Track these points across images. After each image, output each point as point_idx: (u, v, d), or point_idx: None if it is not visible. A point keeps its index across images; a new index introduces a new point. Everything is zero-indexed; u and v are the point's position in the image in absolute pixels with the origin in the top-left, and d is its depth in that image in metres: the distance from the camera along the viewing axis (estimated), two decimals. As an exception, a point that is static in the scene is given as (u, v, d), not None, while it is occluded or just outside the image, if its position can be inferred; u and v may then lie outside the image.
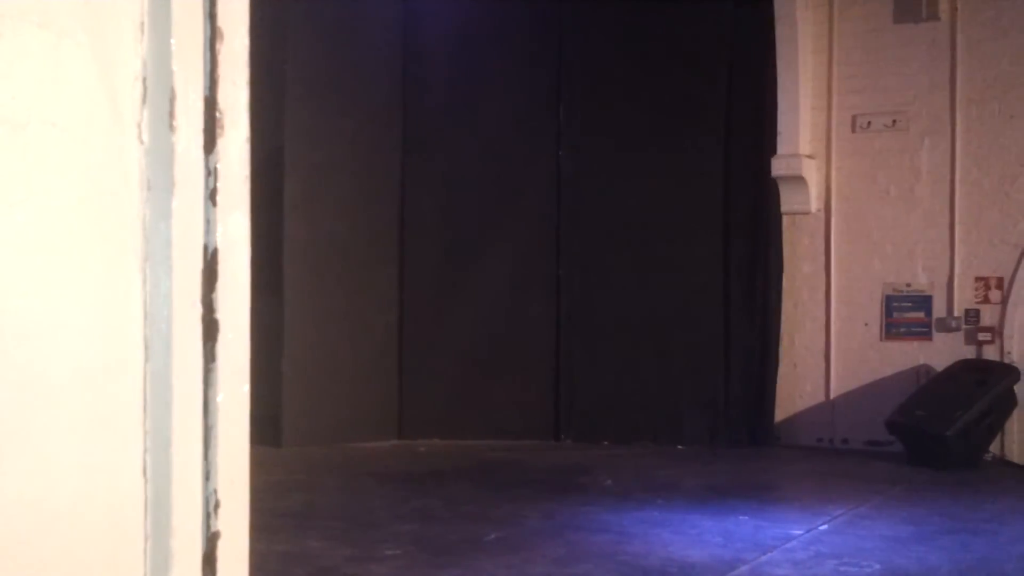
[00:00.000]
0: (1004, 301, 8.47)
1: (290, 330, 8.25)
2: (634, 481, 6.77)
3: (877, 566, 4.43)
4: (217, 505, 1.32)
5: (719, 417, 8.73)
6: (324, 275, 8.49)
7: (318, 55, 8.49)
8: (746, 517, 5.54)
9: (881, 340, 8.77)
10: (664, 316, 8.81)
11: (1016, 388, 8.08)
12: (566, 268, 9.09)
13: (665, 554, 4.61)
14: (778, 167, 8.80)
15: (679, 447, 8.49)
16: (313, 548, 4.60)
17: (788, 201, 8.90)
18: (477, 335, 8.94)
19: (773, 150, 8.81)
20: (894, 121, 8.72)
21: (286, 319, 8.21)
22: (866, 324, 8.80)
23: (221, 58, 1.35)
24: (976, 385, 7.93)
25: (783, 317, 8.93)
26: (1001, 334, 8.46)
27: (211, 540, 1.31)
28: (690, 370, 8.75)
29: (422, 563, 4.41)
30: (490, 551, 4.64)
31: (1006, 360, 8.32)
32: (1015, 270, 8.43)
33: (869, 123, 8.82)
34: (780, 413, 8.88)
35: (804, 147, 8.85)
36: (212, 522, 1.31)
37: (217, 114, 1.35)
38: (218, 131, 1.35)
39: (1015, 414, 8.15)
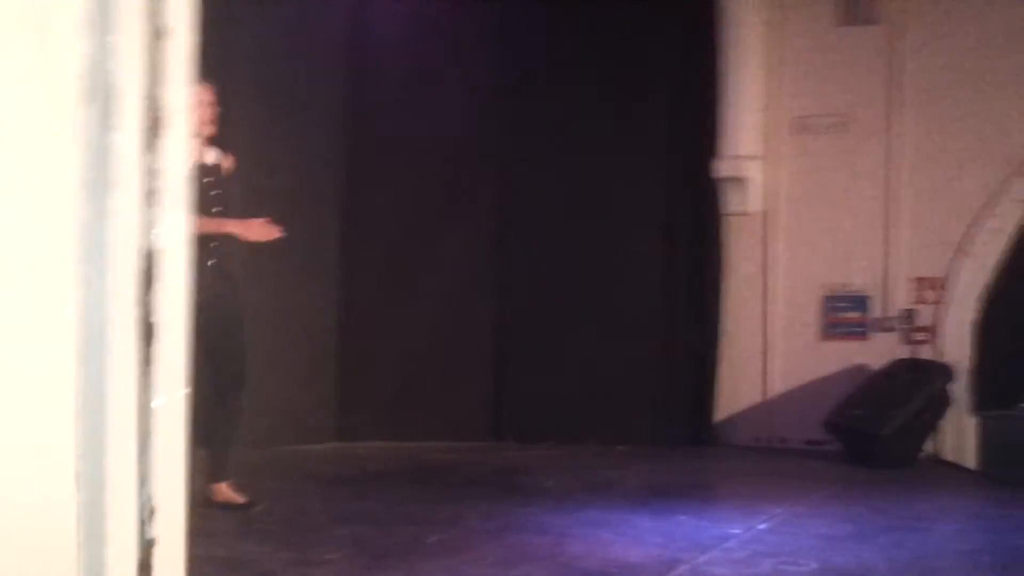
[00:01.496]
0: (940, 301, 8.59)
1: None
2: (575, 482, 6.78)
3: (815, 564, 4.46)
4: (153, 512, 1.29)
5: (660, 417, 8.77)
6: (264, 275, 8.40)
7: (263, 53, 8.40)
8: (686, 517, 5.57)
9: (819, 340, 8.86)
10: (606, 317, 8.83)
11: (950, 388, 8.20)
12: (508, 269, 9.08)
13: (605, 555, 4.62)
14: (720, 168, 8.86)
15: (620, 447, 8.51)
16: (252, 553, 4.55)
17: (730, 202, 8.97)
18: (418, 336, 8.91)
19: (716, 151, 8.86)
20: (836, 123, 8.81)
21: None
22: (804, 324, 8.88)
23: (164, 56, 1.33)
24: (912, 385, 8.04)
25: (723, 318, 8.99)
26: (936, 334, 8.58)
27: (146, 547, 1.29)
28: (631, 371, 8.78)
29: (362, 566, 4.38)
30: (431, 554, 4.62)
31: (941, 360, 8.44)
32: (952, 271, 8.56)
33: (811, 125, 8.91)
34: (720, 413, 8.94)
35: (746, 148, 8.92)
36: (147, 529, 1.29)
37: (159, 113, 1.32)
38: (159, 131, 1.33)
39: (949, 413, 8.27)
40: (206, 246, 5.29)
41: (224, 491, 5.47)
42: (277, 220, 8.49)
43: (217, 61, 8.10)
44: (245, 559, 4.43)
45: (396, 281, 8.90)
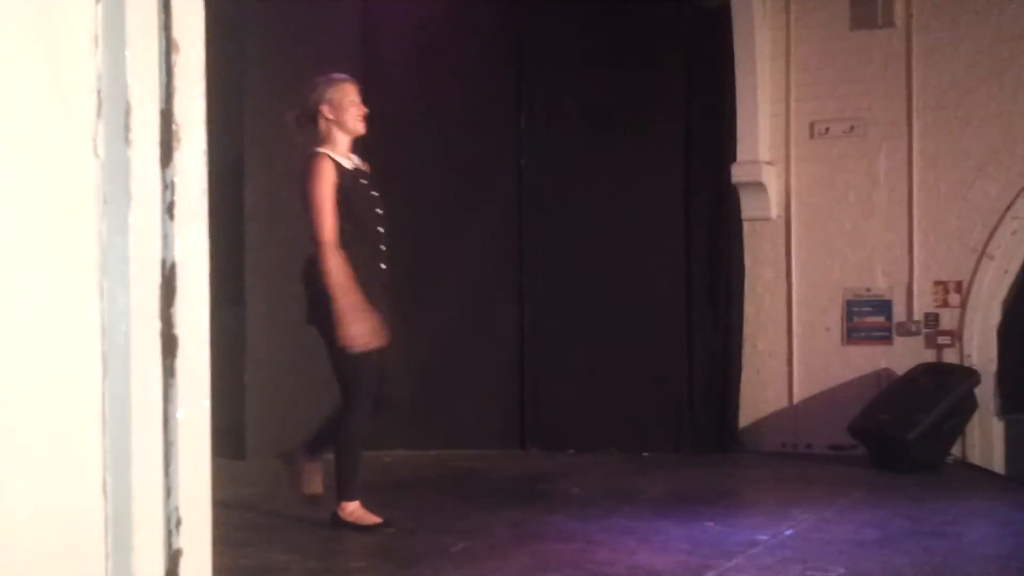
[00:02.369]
0: (963, 305, 8.55)
1: (252, 341, 8.20)
2: (600, 489, 6.78)
3: (842, 570, 4.45)
4: (179, 522, 1.30)
5: (684, 424, 8.75)
6: (286, 285, 8.42)
7: (276, 62, 8.45)
8: (712, 523, 5.56)
9: (842, 345, 8.83)
10: (628, 324, 8.82)
11: (976, 391, 8.16)
12: (529, 276, 9.09)
13: (631, 561, 4.61)
14: (738, 174, 8.85)
15: (644, 454, 8.51)
16: (278, 562, 4.57)
17: (748, 208, 8.95)
18: (440, 344, 8.91)
19: (732, 157, 8.86)
20: (852, 127, 8.79)
21: (248, 330, 8.16)
22: (827, 329, 8.85)
23: (177, 70, 1.34)
24: (937, 388, 8.00)
25: (745, 323, 8.97)
26: (961, 337, 8.54)
27: (173, 557, 1.30)
28: (654, 377, 8.77)
29: (388, 574, 4.39)
30: (456, 561, 4.62)
31: (966, 363, 8.40)
32: (973, 274, 8.52)
33: (827, 129, 8.89)
34: (744, 419, 8.91)
35: (763, 153, 8.91)
36: (174, 539, 1.30)
37: (173, 127, 1.34)
38: (174, 144, 1.34)
39: (976, 417, 8.23)
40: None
41: (354, 511, 5.28)
42: (297, 233, 8.56)
43: (230, 71, 8.20)
44: (271, 568, 4.44)
45: (417, 288, 8.90)
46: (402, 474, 7.49)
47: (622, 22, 9.00)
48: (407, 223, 8.95)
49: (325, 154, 5.20)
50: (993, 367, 8.45)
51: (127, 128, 1.30)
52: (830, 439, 8.49)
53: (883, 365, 8.66)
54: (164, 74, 1.32)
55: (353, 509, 5.23)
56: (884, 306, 8.75)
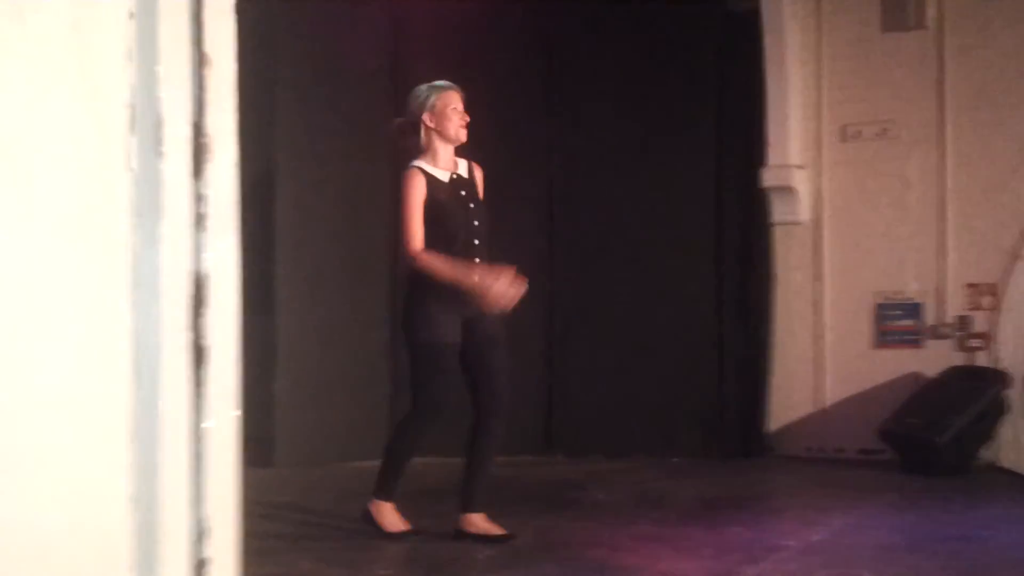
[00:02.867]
0: (996, 307, 8.49)
1: (282, 350, 8.23)
2: (627, 495, 6.77)
3: (869, 575, 4.43)
4: (207, 532, 1.32)
5: (712, 428, 8.72)
6: (316, 294, 8.47)
7: (307, 73, 8.49)
8: (739, 528, 5.54)
9: (873, 348, 8.79)
10: (657, 328, 8.80)
11: (1007, 394, 8.11)
12: (558, 280, 9.08)
13: (658, 568, 4.61)
14: (768, 178, 8.82)
15: (673, 460, 8.48)
16: (306, 570, 4.59)
17: (779, 212, 8.93)
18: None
19: (763, 160, 8.83)
20: (884, 130, 8.75)
21: (279, 339, 8.20)
22: (857, 332, 8.81)
23: (208, 84, 1.36)
24: (967, 392, 7.95)
25: (775, 327, 8.94)
26: (993, 340, 8.48)
27: (200, 567, 1.31)
28: (683, 381, 8.75)
29: (416, 581, 4.40)
30: (483, 569, 4.63)
31: (997, 366, 8.34)
32: (1007, 276, 8.46)
33: (859, 132, 8.85)
34: (773, 423, 8.89)
35: (794, 157, 8.88)
36: (202, 549, 1.31)
37: (205, 140, 1.35)
38: (206, 156, 1.35)
39: (1006, 420, 8.17)
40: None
41: (382, 510, 5.28)
42: (327, 242, 8.59)
43: (260, 82, 8.25)
44: (300, 576, 4.46)
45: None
46: (429, 481, 7.49)
47: (652, 24, 8.99)
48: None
49: (416, 168, 5.22)
50: (1024, 370, 8.39)
51: (159, 141, 1.32)
52: (860, 443, 8.45)
53: (913, 369, 8.61)
54: (196, 87, 1.34)
55: (382, 508, 5.25)
56: (915, 309, 8.70)
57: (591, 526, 5.64)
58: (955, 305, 8.60)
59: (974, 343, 8.51)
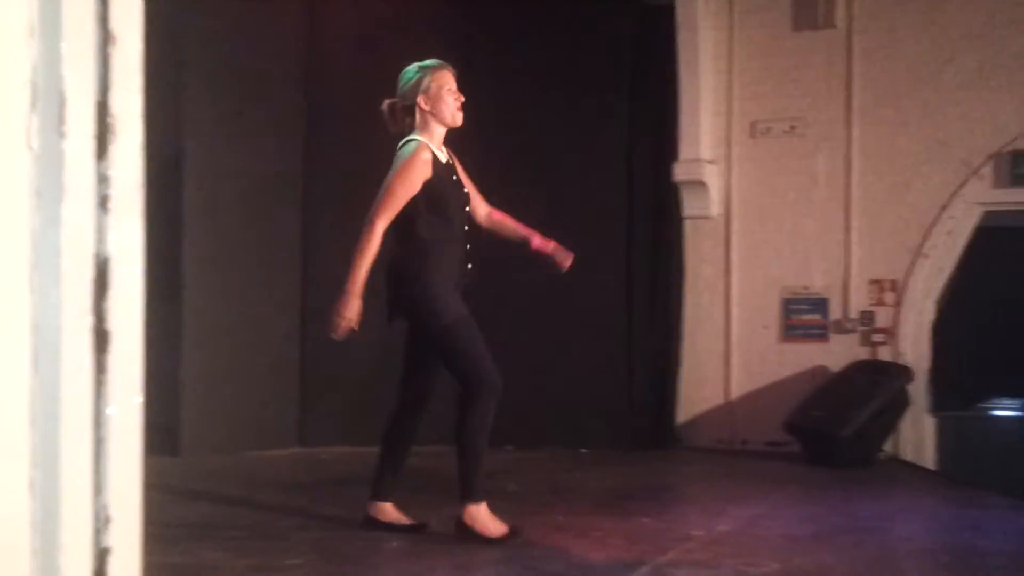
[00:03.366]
0: (898, 303, 8.67)
1: (189, 337, 8.12)
2: (537, 486, 6.79)
3: (776, 565, 4.49)
4: (108, 520, 1.29)
5: (622, 420, 8.79)
6: (225, 279, 8.37)
7: (218, 56, 8.37)
8: (648, 519, 5.59)
9: (780, 342, 8.92)
10: (567, 321, 8.84)
11: (909, 388, 8.28)
12: (469, 272, 9.05)
13: (567, 558, 4.63)
14: (679, 172, 8.91)
15: (582, 451, 8.54)
16: (211, 559, 4.53)
17: (689, 206, 9.02)
18: (381, 339, 8.87)
19: (675, 155, 8.91)
20: (792, 127, 8.88)
21: (186, 324, 8.09)
22: (765, 327, 8.94)
23: (113, 62, 1.33)
24: (871, 386, 8.11)
25: (684, 320, 9.03)
26: (895, 335, 8.66)
27: (101, 556, 1.28)
28: (593, 374, 8.80)
29: (323, 572, 4.37)
30: (392, 559, 4.62)
31: (900, 361, 8.53)
32: (909, 273, 8.65)
33: (769, 129, 8.97)
34: (682, 415, 8.98)
35: (705, 152, 8.97)
36: (103, 538, 1.29)
37: (109, 119, 1.32)
38: (110, 137, 1.32)
39: (908, 414, 8.35)
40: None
41: (480, 514, 4.88)
42: (237, 228, 8.48)
43: (169, 65, 8.12)
44: (203, 566, 4.40)
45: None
46: (340, 471, 7.46)
47: (568, 18, 9.02)
48: (350, 220, 8.91)
49: (425, 144, 4.93)
50: (926, 364, 8.58)
51: (61, 120, 1.28)
52: (766, 435, 8.58)
53: (819, 362, 8.76)
54: (100, 66, 1.31)
55: (479, 513, 4.87)
56: (821, 304, 8.85)
57: (502, 516, 5.64)
58: (859, 300, 8.77)
59: (877, 338, 8.69)
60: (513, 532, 4.82)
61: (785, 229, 8.93)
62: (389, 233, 4.97)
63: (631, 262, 8.93)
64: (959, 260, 8.63)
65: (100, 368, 1.31)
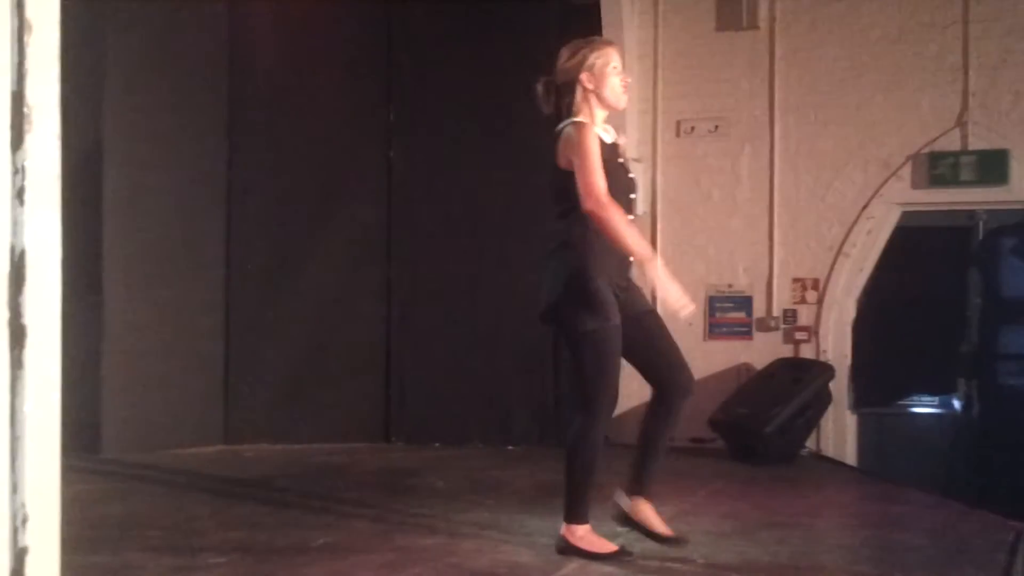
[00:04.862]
0: (820, 302, 8.79)
1: (110, 333, 8.01)
2: (465, 482, 6.78)
3: (700, 561, 4.53)
4: (25, 519, 1.26)
5: (549, 417, 8.81)
6: (147, 275, 8.26)
7: (139, 48, 8.25)
8: (574, 516, 5.60)
9: (704, 340, 9.00)
10: (495, 317, 8.84)
11: (831, 385, 8.40)
12: (396, 269, 9.05)
13: (494, 555, 4.63)
14: (605, 170, 8.94)
15: (509, 447, 8.55)
16: (133, 559, 4.47)
17: (614, 202, 9.05)
18: (305, 337, 8.83)
19: (600, 153, 8.93)
20: (717, 126, 8.96)
21: (105, 321, 7.97)
22: (689, 324, 9.00)
23: (30, 51, 1.29)
24: (793, 383, 8.21)
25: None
26: (817, 333, 8.78)
27: (19, 556, 1.25)
28: (520, 371, 8.81)
29: (246, 571, 4.32)
30: (317, 557, 4.58)
31: (822, 358, 8.64)
32: (830, 272, 8.77)
33: (693, 128, 9.04)
34: (608, 412, 9.01)
35: (631, 151, 9.00)
36: (20, 537, 1.26)
37: (25, 109, 1.29)
38: (26, 127, 1.29)
39: (830, 410, 8.47)
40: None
41: (585, 535, 4.52)
42: (159, 223, 8.37)
43: (90, 54, 7.99)
44: (125, 566, 4.34)
45: (282, 281, 8.80)
46: (264, 468, 7.39)
47: (491, 18, 9.01)
48: (275, 216, 8.86)
49: (588, 123, 4.51)
50: (847, 362, 8.71)
51: (-25, 110, 1.25)
52: (691, 432, 8.63)
53: (743, 360, 8.86)
54: (16, 55, 1.28)
55: (584, 533, 4.52)
56: (745, 302, 8.94)
57: (428, 514, 5.63)
58: (782, 299, 8.88)
59: (800, 336, 8.81)
60: (623, 550, 4.50)
61: (709, 228, 9.01)
62: (557, 213, 4.61)
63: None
64: (879, 259, 8.77)
65: (16, 364, 1.28)
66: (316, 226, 8.84)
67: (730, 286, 8.98)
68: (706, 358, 8.90)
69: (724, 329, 8.97)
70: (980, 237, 8.68)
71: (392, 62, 9.14)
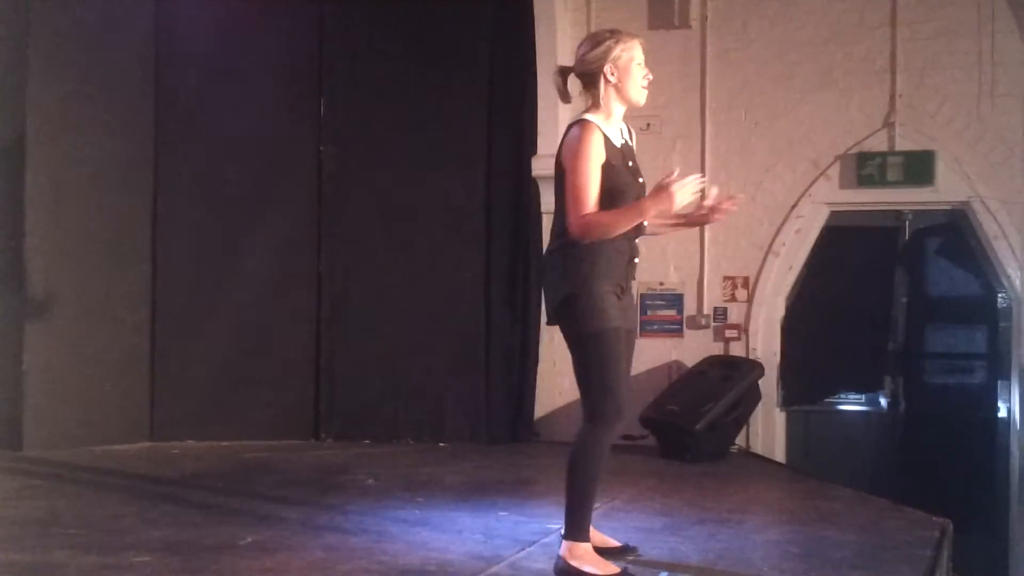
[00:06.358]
0: (750, 300, 8.86)
1: (32, 327, 7.86)
2: (395, 480, 6.74)
3: (630, 556, 4.53)
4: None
5: (480, 414, 8.79)
6: (71, 271, 8.11)
7: (64, 39, 8.10)
8: (506, 513, 5.60)
9: (636, 337, 9.01)
10: (426, 314, 8.81)
11: (760, 383, 8.46)
12: (327, 264, 8.97)
13: (425, 553, 4.59)
14: (538, 167, 8.93)
15: (441, 444, 8.52)
16: (58, 557, 4.37)
17: (548, 201, 9.02)
18: (234, 333, 8.71)
19: (534, 150, 8.93)
20: (648, 125, 8.98)
21: (27, 316, 7.83)
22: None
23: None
24: (723, 381, 8.26)
25: (543, 317, 9.05)
26: (747, 331, 8.85)
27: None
28: (452, 368, 8.79)
29: (173, 569, 4.24)
30: (245, 555, 4.51)
31: (751, 356, 8.71)
32: (760, 270, 8.85)
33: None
34: (540, 410, 9.02)
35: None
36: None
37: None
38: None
39: (759, 408, 8.54)
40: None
41: (585, 556, 4.18)
42: (84, 217, 8.22)
43: (11, 44, 7.83)
44: (49, 564, 4.24)
45: (211, 278, 8.69)
46: (192, 466, 7.29)
47: (424, 12, 8.97)
48: (203, 211, 8.73)
49: (594, 124, 4.23)
50: (776, 360, 8.79)
51: None
52: (622, 429, 8.59)
53: (674, 357, 8.90)
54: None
55: (583, 553, 4.19)
56: (676, 300, 8.99)
57: (358, 511, 5.58)
58: (713, 297, 8.94)
59: (730, 334, 8.87)
60: (626, 572, 4.19)
61: (641, 225, 9.02)
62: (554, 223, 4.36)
63: (490, 257, 8.93)
64: (808, 258, 8.86)
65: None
66: (245, 221, 8.73)
67: (661, 284, 9.01)
68: (637, 355, 8.84)
69: (655, 327, 9.00)
70: (906, 237, 8.79)
71: (323, 56, 9.06)
